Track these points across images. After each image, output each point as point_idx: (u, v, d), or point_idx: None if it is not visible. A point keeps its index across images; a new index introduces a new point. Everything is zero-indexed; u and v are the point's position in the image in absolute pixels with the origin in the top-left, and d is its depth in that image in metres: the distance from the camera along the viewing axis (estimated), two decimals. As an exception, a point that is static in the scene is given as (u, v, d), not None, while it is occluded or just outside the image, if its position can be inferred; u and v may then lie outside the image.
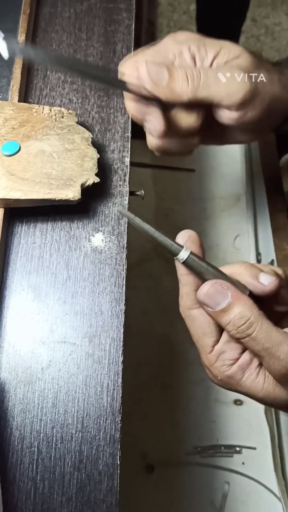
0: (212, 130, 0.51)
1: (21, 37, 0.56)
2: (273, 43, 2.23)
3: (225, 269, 0.42)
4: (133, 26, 0.62)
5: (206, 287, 0.39)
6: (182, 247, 0.40)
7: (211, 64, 0.47)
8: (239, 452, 0.76)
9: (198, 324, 0.42)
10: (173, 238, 0.41)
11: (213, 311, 0.39)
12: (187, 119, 0.46)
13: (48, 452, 0.41)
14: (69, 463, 0.41)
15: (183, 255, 0.40)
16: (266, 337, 0.38)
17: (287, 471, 0.74)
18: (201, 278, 0.40)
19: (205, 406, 0.79)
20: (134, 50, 0.60)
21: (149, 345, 0.80)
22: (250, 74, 0.46)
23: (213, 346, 0.42)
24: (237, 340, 0.39)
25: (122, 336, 0.45)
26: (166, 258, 0.88)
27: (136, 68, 0.44)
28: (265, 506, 0.73)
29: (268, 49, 2.19)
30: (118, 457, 0.41)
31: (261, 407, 0.78)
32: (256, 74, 0.46)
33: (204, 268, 0.40)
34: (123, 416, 0.44)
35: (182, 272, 0.42)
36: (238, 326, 0.38)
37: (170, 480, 0.75)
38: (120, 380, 0.44)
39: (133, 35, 0.61)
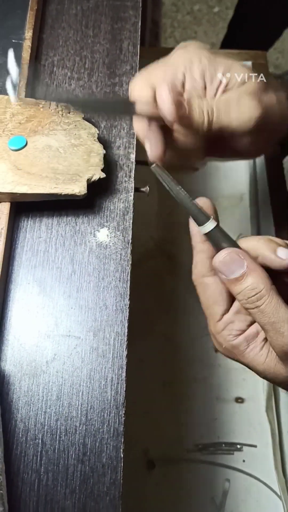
0: (216, 147, 0.51)
1: (28, 33, 0.56)
2: (276, 44, 2.23)
3: (243, 243, 0.42)
4: (140, 24, 0.62)
5: (223, 254, 0.39)
6: (210, 218, 0.40)
7: (218, 86, 0.47)
8: (239, 449, 0.76)
9: (211, 292, 0.42)
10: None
11: (227, 279, 0.39)
12: (189, 139, 0.47)
13: (52, 445, 0.42)
14: (73, 456, 0.42)
15: (209, 226, 0.40)
16: (273, 312, 0.38)
17: (287, 469, 0.74)
18: (219, 248, 0.40)
19: (206, 404, 0.79)
20: (140, 48, 0.61)
21: (150, 342, 0.80)
22: (259, 98, 0.47)
23: (223, 315, 0.42)
24: (246, 310, 0.40)
25: (126, 330, 0.46)
26: (169, 256, 0.88)
27: (147, 88, 0.45)
28: (266, 503, 0.73)
29: (272, 50, 2.20)
30: (121, 450, 0.42)
31: (262, 405, 0.78)
32: (265, 97, 0.47)
33: (226, 241, 0.40)
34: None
35: (197, 240, 0.42)
36: (249, 297, 0.38)
37: (170, 476, 0.75)
38: (124, 374, 0.44)
39: (139, 33, 0.61)
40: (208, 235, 0.41)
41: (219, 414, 0.78)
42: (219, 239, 0.40)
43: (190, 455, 0.76)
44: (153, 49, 1.63)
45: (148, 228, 0.91)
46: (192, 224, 0.42)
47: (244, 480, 0.75)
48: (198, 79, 0.47)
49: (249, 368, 0.42)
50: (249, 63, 0.94)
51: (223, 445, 0.77)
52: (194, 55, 0.47)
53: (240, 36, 1.47)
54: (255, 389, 0.80)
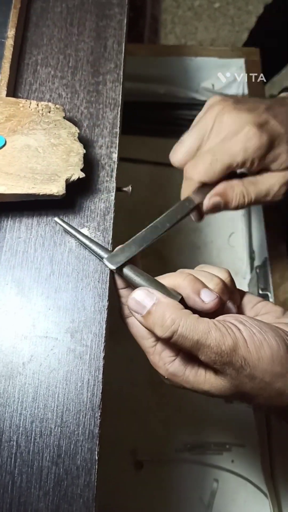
0: None
1: (11, 32, 0.56)
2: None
3: (166, 278, 0.45)
4: (125, 21, 0.61)
5: (134, 293, 0.42)
6: (121, 262, 0.45)
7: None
8: (228, 449, 0.76)
9: (136, 329, 0.46)
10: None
11: (141, 316, 0.41)
12: None
13: (26, 446, 0.42)
14: (47, 458, 0.41)
15: (116, 265, 0.45)
16: (193, 330, 0.38)
17: (275, 469, 0.74)
18: (136, 287, 0.44)
19: (195, 403, 0.79)
20: (125, 45, 0.60)
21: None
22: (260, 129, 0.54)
23: (154, 347, 0.44)
24: (168, 342, 0.40)
25: (104, 332, 0.45)
26: (160, 256, 0.88)
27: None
28: (253, 503, 0.73)
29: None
30: (96, 453, 0.42)
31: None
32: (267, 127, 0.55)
33: (138, 277, 0.45)
34: (112, 412, 0.44)
35: (119, 286, 0.47)
36: (162, 325, 0.39)
37: (159, 476, 0.75)
38: (100, 376, 0.44)
39: (124, 30, 0.61)
40: (121, 274, 0.46)
41: (208, 414, 0.78)
42: (133, 277, 0.45)
43: (178, 455, 0.76)
44: (150, 46, 1.62)
45: (139, 229, 0.90)
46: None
47: (232, 480, 0.75)
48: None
49: (197, 391, 0.42)
50: (242, 60, 0.93)
51: (212, 445, 0.76)
52: (217, 111, 0.57)
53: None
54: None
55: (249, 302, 0.49)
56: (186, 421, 0.78)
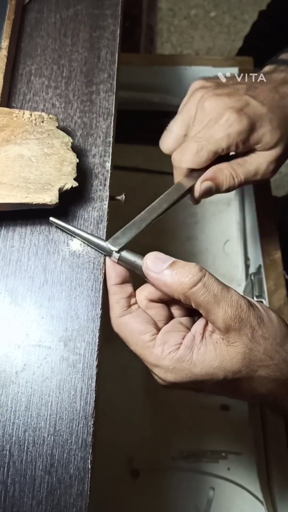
0: None
1: (5, 43, 0.57)
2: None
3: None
4: (118, 32, 0.62)
5: (150, 255, 0.44)
6: (117, 248, 0.46)
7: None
8: (224, 457, 0.76)
9: (132, 326, 0.45)
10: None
11: (156, 274, 0.43)
12: None
13: (19, 456, 0.41)
14: (40, 467, 0.41)
15: (117, 253, 0.47)
16: (214, 282, 0.41)
17: (272, 477, 0.74)
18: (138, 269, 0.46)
19: (191, 411, 0.79)
20: (118, 56, 0.61)
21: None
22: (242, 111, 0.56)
23: (154, 340, 0.43)
24: (185, 297, 0.41)
25: (97, 340, 0.45)
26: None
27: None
28: (250, 511, 0.73)
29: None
30: (89, 461, 0.42)
31: (247, 412, 0.77)
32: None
33: (139, 258, 0.46)
34: (107, 420, 0.44)
35: (111, 282, 0.47)
36: (186, 276, 0.41)
37: (155, 485, 0.75)
38: (94, 384, 0.44)
39: (118, 41, 0.61)
40: (122, 260, 0.47)
41: (203, 422, 0.78)
42: (131, 259, 0.47)
43: (174, 463, 0.76)
44: (145, 55, 1.63)
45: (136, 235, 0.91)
46: (108, 265, 0.47)
47: (229, 488, 0.75)
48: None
49: (208, 376, 0.41)
50: (236, 69, 0.94)
51: (208, 453, 0.76)
52: (198, 96, 0.59)
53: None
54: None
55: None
56: (182, 429, 0.78)
